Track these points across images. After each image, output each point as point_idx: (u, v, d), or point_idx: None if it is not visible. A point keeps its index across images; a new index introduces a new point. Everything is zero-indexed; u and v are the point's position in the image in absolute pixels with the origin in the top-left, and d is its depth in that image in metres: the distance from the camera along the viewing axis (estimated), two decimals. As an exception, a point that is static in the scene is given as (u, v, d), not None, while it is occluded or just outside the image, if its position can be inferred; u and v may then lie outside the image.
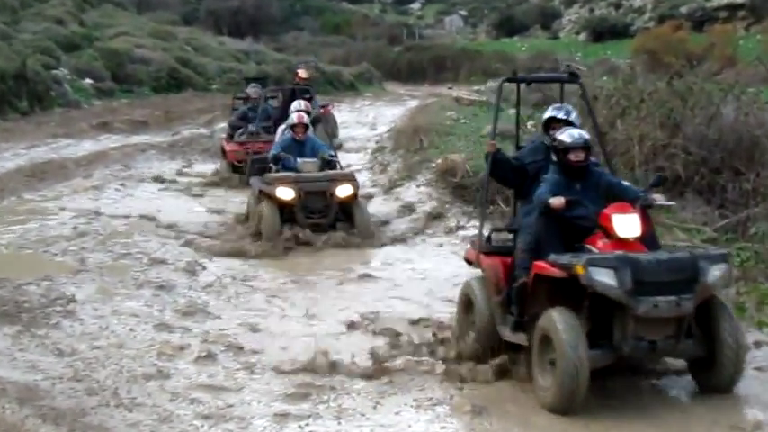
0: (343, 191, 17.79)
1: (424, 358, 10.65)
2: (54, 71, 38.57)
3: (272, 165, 18.82)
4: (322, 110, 28.05)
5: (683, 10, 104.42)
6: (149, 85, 44.89)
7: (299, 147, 18.94)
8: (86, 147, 27.98)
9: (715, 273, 9.39)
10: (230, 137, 25.70)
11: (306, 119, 19.41)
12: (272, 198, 17.59)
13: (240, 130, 25.16)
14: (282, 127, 20.81)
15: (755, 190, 14.88)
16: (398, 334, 11.62)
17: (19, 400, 9.12)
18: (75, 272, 14.63)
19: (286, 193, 17.32)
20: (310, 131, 19.87)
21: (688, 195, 15.65)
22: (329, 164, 18.91)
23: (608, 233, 9.63)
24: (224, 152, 25.36)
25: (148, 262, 15.55)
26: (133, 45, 48.53)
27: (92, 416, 8.87)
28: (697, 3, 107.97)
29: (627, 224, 9.63)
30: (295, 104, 21.20)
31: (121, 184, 23.10)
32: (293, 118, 19.36)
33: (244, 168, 22.51)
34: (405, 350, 10.96)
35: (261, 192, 18.11)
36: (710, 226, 14.55)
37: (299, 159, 18.31)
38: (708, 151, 15.89)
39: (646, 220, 10.05)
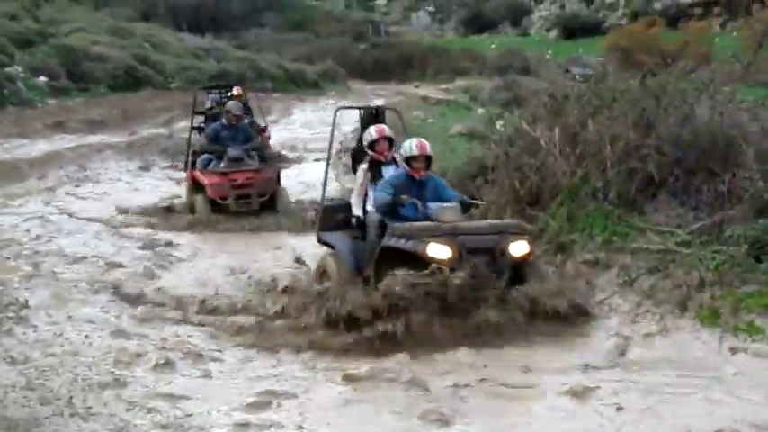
0: (518, 248, 12.11)
1: None
2: (7, 68, 38.49)
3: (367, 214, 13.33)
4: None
5: (657, 6, 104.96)
6: (106, 83, 44.84)
7: (417, 187, 12.91)
8: (40, 147, 27.92)
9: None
10: (202, 164, 20.43)
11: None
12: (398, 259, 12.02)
13: (204, 156, 20.53)
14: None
15: (731, 191, 14.93)
16: None
17: (-30, 410, 9.08)
18: (28, 276, 14.58)
19: (441, 252, 11.64)
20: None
21: (662, 197, 15.69)
22: (467, 207, 13.44)
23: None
24: (195, 185, 20.21)
25: (104, 266, 15.52)
26: (90, 42, 48.45)
27: (45, 426, 8.80)
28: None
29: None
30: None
31: (77, 185, 23.06)
32: (413, 146, 13.08)
33: (229, 207, 19.40)
34: None
35: (377, 256, 12.38)
36: (684, 228, 14.60)
37: (432, 205, 12.50)
38: (682, 152, 15.92)
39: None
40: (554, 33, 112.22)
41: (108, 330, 12.06)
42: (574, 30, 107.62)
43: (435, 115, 36.07)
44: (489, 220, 14.00)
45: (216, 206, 19.31)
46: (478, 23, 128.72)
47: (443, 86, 57.42)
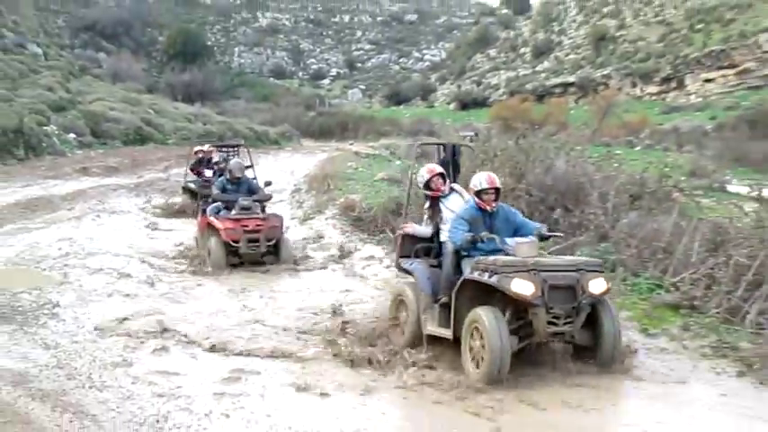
0: (597, 286, 9.91)
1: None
2: (45, 127, 38.17)
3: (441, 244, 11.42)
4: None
5: (529, 86, 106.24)
6: (120, 138, 44.52)
7: (489, 219, 10.90)
8: (70, 186, 27.68)
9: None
10: (213, 212, 18.11)
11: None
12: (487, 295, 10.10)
13: (213, 205, 18.20)
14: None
15: (580, 223, 15.08)
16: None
17: (13, 383, 9.01)
18: (59, 283, 14.45)
19: (525, 288, 9.63)
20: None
21: (530, 227, 15.81)
22: (544, 239, 11.41)
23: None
24: (210, 228, 17.80)
25: (117, 276, 15.40)
26: (108, 108, 48.16)
27: (70, 395, 8.76)
28: (539, 81, 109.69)
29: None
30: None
31: (97, 215, 22.89)
32: (482, 180, 10.87)
33: (240, 249, 17.07)
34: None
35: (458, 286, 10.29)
36: (546, 250, 14.69)
37: (510, 240, 10.63)
38: (545, 193, 16.08)
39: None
40: (453, 105, 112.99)
41: (120, 323, 11.96)
42: (467, 103, 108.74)
43: (365, 165, 36.10)
44: (569, 256, 12.03)
45: (228, 248, 17.13)
46: (397, 98, 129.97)
47: (371, 144, 57.43)
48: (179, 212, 24.76)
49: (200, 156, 25.79)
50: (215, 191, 18.37)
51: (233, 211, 17.56)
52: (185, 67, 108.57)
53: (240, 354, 10.59)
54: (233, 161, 19.76)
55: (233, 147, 24.89)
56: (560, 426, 8.46)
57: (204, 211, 18.53)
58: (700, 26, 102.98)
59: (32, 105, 40.32)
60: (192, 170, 25.62)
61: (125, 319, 12.26)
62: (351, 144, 61.78)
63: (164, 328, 11.65)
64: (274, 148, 55.63)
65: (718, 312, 11.15)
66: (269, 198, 19.33)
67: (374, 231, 19.99)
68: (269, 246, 17.39)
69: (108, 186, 28.65)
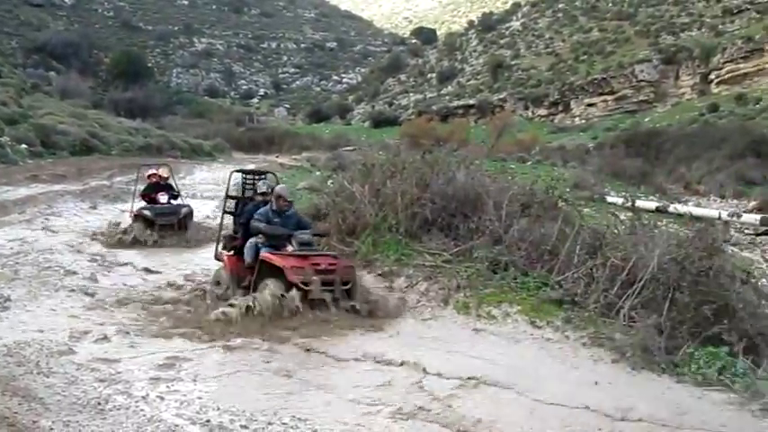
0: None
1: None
2: (-1, 138, 37.47)
3: None
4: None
5: (434, 108, 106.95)
6: (68, 149, 43.63)
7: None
8: (21, 192, 27.07)
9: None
10: (253, 250, 13.02)
11: None
12: None
13: (253, 240, 13.09)
14: None
15: (477, 228, 15.14)
16: None
17: (-35, 371, 8.83)
18: (10, 280, 14.15)
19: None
20: None
21: (433, 231, 15.83)
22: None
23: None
24: (264, 268, 12.59)
25: (64, 273, 15.13)
26: (57, 121, 47.22)
27: (19, 381, 8.60)
28: (443, 103, 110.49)
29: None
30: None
31: (46, 218, 22.43)
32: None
33: (312, 293, 11.96)
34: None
35: None
36: (448, 251, 14.79)
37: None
38: (447, 202, 16.10)
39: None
40: (367, 123, 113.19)
41: (65, 315, 11.83)
42: (380, 121, 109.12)
43: (288, 175, 35.92)
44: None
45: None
46: (318, 116, 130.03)
47: (294, 157, 57.20)
48: (133, 244, 19.33)
49: (154, 180, 21.60)
50: (258, 224, 12.92)
51: (290, 248, 12.69)
52: (128, 85, 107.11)
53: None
54: (279, 186, 14.28)
55: (258, 174, 15.95)
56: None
57: (236, 249, 13.52)
58: (584, 57, 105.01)
59: (-14, 119, 39.58)
60: (143, 196, 21.11)
61: (71, 311, 12.12)
62: (276, 156, 61.44)
63: (105, 320, 11.56)
64: (208, 160, 55.12)
65: (596, 307, 11.33)
66: (327, 234, 15.64)
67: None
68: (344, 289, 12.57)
69: (56, 192, 28.07)
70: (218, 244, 14.75)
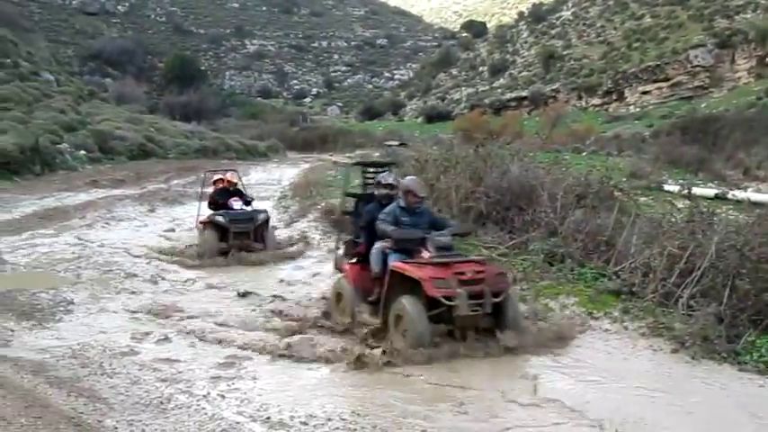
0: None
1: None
2: (58, 145, 37.87)
3: None
4: None
5: (487, 101, 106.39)
6: (125, 154, 44.14)
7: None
8: (81, 197, 27.47)
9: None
10: (380, 257, 10.78)
11: None
12: None
13: (379, 245, 10.79)
14: None
15: (533, 221, 15.15)
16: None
17: (33, 372, 9.01)
18: (73, 283, 14.39)
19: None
20: None
21: (488, 225, 15.87)
22: None
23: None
24: (397, 280, 10.28)
25: (124, 276, 15.34)
26: (114, 127, 47.78)
27: (84, 382, 8.77)
28: (495, 96, 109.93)
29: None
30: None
31: (106, 222, 22.76)
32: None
33: (458, 310, 9.70)
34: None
35: None
36: (503, 245, 14.78)
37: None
38: (501, 195, 16.14)
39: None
40: (420, 119, 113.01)
41: (126, 317, 12.02)
42: (433, 116, 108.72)
43: (343, 173, 36.00)
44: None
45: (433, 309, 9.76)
46: (371, 113, 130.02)
47: (348, 154, 57.28)
48: (201, 256, 17.64)
49: (221, 186, 19.52)
50: (385, 226, 10.59)
51: (426, 254, 10.23)
52: (182, 89, 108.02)
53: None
54: (408, 178, 11.53)
55: (383, 166, 13.69)
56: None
57: (360, 257, 11.42)
58: (637, 44, 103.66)
59: (47, 126, 40.01)
60: (211, 203, 19.02)
61: (132, 313, 12.29)
62: (330, 155, 61.62)
63: (166, 322, 11.72)
64: (263, 160, 55.47)
65: (654, 297, 11.24)
66: (469, 233, 13.49)
67: (351, 231, 19.96)
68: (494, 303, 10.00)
69: (115, 197, 28.45)
70: (337, 251, 13.09)
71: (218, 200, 18.83)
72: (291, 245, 19.31)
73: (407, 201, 10.81)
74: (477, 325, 10.00)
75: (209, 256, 17.34)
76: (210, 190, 19.89)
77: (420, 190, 10.98)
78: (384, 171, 12.72)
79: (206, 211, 18.89)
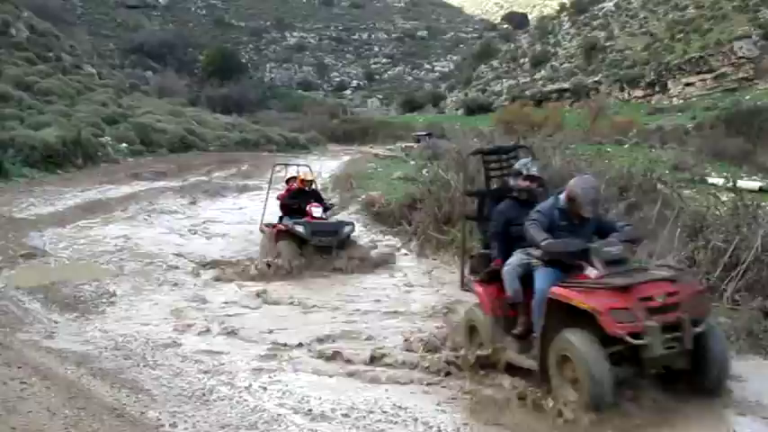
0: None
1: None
2: (100, 138, 38.20)
3: None
4: None
5: (528, 93, 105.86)
6: (167, 147, 44.46)
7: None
8: (123, 190, 27.66)
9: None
10: (518, 272, 8.42)
11: None
12: None
13: (516, 259, 8.52)
14: None
15: (575, 213, 15.07)
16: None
17: (76, 364, 9.09)
18: (115, 275, 14.51)
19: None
20: None
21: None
22: None
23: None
24: (559, 311, 7.64)
25: (166, 268, 15.44)
26: (155, 120, 48.17)
27: (127, 373, 8.85)
28: (537, 88, 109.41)
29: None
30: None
31: (148, 215, 22.90)
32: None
33: (650, 350, 7.19)
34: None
35: None
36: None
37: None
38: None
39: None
40: (461, 111, 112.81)
41: (169, 309, 12.08)
42: (474, 108, 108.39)
43: (383, 166, 36.14)
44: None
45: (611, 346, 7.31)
46: (411, 105, 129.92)
47: (388, 147, 57.38)
48: (270, 272, 14.99)
49: (295, 186, 17.29)
50: (536, 231, 7.98)
51: (592, 272, 7.64)
52: (222, 82, 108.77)
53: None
54: (581, 180, 8.40)
55: (509, 152, 10.62)
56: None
57: (495, 274, 8.77)
58: (680, 36, 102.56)
59: (89, 119, 40.40)
60: (283, 206, 16.87)
61: (174, 305, 12.38)
62: (371, 147, 61.72)
63: (207, 313, 11.79)
64: (303, 152, 55.66)
65: (698, 291, 11.14)
66: (641, 239, 10.46)
67: (392, 224, 19.93)
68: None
69: (157, 189, 28.63)
70: (462, 267, 10.00)
71: (293, 204, 16.66)
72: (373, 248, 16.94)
73: (572, 210, 8.14)
74: (672, 365, 7.50)
75: (285, 271, 14.93)
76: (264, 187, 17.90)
77: (592, 195, 8.13)
78: (513, 156, 10.24)
79: (266, 212, 17.59)
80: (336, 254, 15.56)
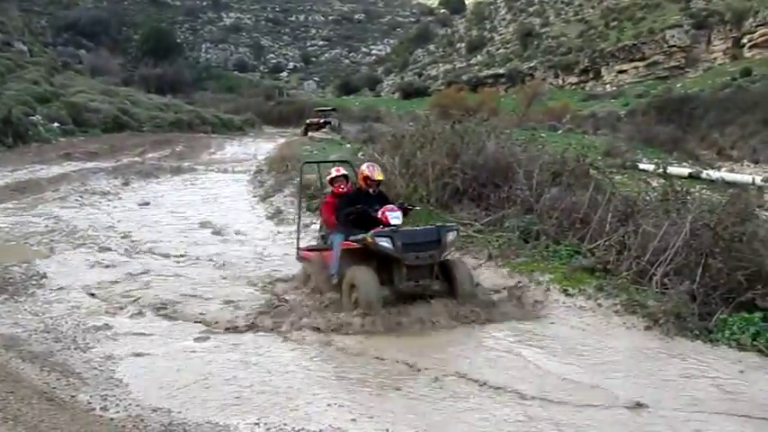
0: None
1: None
2: (31, 117, 37.60)
3: None
4: None
5: (464, 78, 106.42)
6: (99, 127, 43.86)
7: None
8: (54, 170, 27.24)
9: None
10: None
11: None
12: None
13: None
14: None
15: (508, 198, 15.17)
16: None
17: (5, 347, 8.95)
18: (46, 257, 14.30)
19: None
20: None
21: (464, 201, 15.90)
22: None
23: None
24: None
25: (98, 249, 15.25)
26: (88, 99, 47.53)
27: (57, 356, 8.72)
28: (473, 73, 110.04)
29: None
30: None
31: (80, 196, 22.59)
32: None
33: None
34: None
35: None
36: (479, 221, 14.80)
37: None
38: (477, 172, 16.15)
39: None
40: (397, 95, 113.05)
41: (100, 292, 11.90)
42: (410, 92, 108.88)
43: (318, 149, 35.95)
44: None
45: None
46: (347, 88, 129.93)
47: (324, 130, 57.19)
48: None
49: (348, 189, 11.78)
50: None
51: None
52: (157, 61, 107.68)
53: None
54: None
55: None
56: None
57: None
58: (614, 24, 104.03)
59: (20, 97, 39.74)
60: (334, 219, 11.51)
61: (107, 287, 12.20)
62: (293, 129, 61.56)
63: (141, 295, 11.65)
64: (239, 134, 55.35)
65: (628, 275, 11.27)
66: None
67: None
68: None
69: (89, 170, 28.21)
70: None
71: (353, 210, 11.23)
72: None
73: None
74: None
75: (373, 311, 9.92)
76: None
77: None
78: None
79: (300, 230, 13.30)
80: (437, 275, 10.63)
